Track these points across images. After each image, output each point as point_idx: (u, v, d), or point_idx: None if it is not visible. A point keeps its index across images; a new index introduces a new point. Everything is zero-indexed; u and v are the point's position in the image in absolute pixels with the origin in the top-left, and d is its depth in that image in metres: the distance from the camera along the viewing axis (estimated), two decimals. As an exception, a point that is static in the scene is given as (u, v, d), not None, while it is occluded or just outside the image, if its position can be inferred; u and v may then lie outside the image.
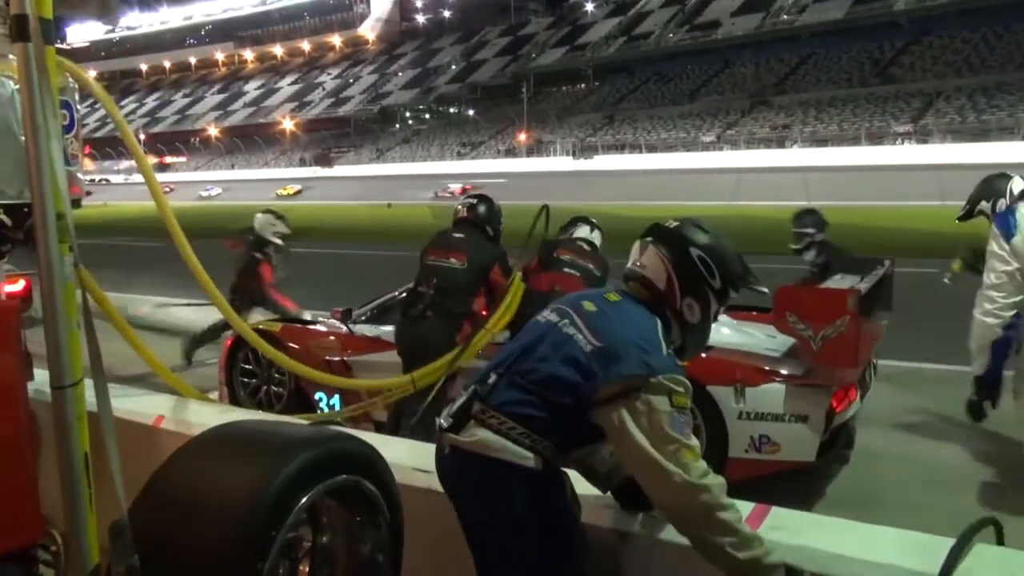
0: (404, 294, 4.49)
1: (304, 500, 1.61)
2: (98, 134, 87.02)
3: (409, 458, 2.33)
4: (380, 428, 3.98)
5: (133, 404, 3.00)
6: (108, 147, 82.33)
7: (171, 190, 56.75)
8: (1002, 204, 3.43)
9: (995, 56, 45.43)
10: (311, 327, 5.13)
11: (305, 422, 2.80)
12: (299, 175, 64.07)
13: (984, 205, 3.77)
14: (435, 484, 2.26)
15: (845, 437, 4.16)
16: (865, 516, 3.32)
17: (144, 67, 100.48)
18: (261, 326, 5.16)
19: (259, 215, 6.92)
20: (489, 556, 1.85)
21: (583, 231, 4.71)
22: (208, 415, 2.90)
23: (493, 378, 1.83)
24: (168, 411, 2.93)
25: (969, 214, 3.88)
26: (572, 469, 2.00)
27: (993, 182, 3.75)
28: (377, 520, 1.87)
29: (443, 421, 1.86)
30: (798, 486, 3.71)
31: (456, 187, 44.61)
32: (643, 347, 1.74)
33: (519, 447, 1.73)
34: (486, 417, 1.77)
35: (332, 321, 5.11)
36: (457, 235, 4.24)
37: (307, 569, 1.87)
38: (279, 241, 6.80)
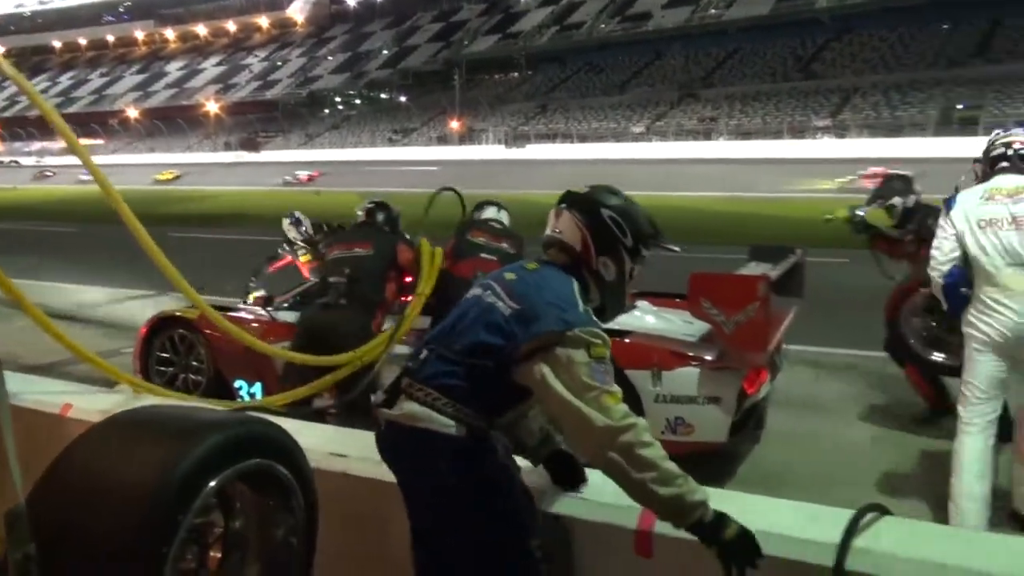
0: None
1: (213, 484, 1.60)
2: (6, 113, 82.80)
3: (324, 443, 2.33)
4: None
5: (39, 392, 2.90)
6: (17, 127, 78.36)
7: (53, 174, 55.47)
8: (911, 200, 4.84)
9: (909, 55, 47.47)
10: (231, 314, 5.03)
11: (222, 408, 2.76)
12: (225, 159, 62.26)
13: (897, 200, 4.92)
14: (351, 468, 2.28)
15: (756, 418, 4.33)
16: (769, 493, 3.49)
17: (57, 44, 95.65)
18: (177, 313, 5.03)
19: (284, 218, 6.44)
20: (433, 532, 1.89)
21: (491, 212, 4.89)
22: (119, 402, 2.82)
23: (424, 354, 1.91)
24: (76, 399, 2.84)
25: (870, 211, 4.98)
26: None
27: (895, 182, 5.04)
28: (291, 504, 1.86)
29: (376, 398, 1.95)
30: (709, 467, 3.83)
31: (303, 174, 47.58)
32: (559, 305, 1.82)
33: (444, 416, 1.80)
34: (413, 390, 1.85)
35: (253, 307, 5.03)
36: (358, 231, 4.34)
37: (218, 555, 1.85)
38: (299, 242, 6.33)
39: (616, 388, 1.75)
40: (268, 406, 3.38)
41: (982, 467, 3.11)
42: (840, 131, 42.69)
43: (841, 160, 35.11)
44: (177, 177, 54.01)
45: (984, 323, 3.17)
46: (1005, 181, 3.34)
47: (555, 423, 1.91)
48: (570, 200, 2.04)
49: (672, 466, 1.70)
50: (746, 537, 1.67)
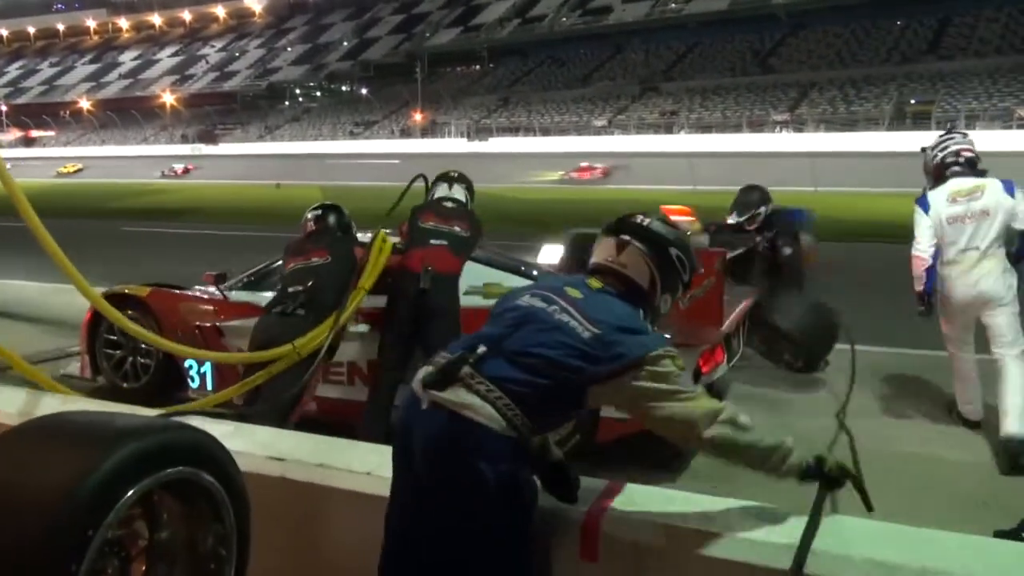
0: (280, 263, 4.30)
1: (129, 495, 1.50)
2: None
3: (260, 446, 2.24)
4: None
5: (-41, 397, 2.75)
6: (-37, 118, 75.91)
7: (79, 169, 55.39)
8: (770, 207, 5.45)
9: (864, 51, 48.33)
10: (183, 292, 4.88)
11: (153, 412, 2.64)
12: (182, 152, 61.03)
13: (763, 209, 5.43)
14: (290, 472, 2.19)
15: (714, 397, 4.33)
16: (724, 490, 3.47)
17: (5, 32, 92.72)
18: (127, 290, 4.85)
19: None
20: (449, 530, 1.82)
21: (442, 190, 4.56)
22: (46, 406, 2.69)
23: (482, 349, 1.84)
24: (3, 403, 2.69)
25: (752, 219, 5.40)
26: None
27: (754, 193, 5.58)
28: (220, 513, 1.77)
29: (425, 376, 1.85)
30: (658, 458, 3.81)
31: (179, 166, 51.20)
32: (635, 331, 1.86)
33: (500, 416, 1.75)
34: (474, 382, 1.78)
35: (206, 287, 4.87)
36: (311, 240, 4.16)
37: (142, 567, 1.75)
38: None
39: (701, 389, 1.88)
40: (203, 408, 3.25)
41: (975, 374, 4.41)
42: (798, 125, 43.31)
43: (800, 154, 35.65)
44: (80, 170, 55.15)
45: (948, 291, 4.27)
46: (961, 184, 4.24)
47: (657, 431, 1.91)
48: (634, 232, 2.03)
49: (762, 431, 1.86)
50: (843, 468, 1.89)
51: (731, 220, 5.46)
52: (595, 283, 1.98)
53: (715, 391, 4.19)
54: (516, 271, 4.45)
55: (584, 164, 39.33)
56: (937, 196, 4.27)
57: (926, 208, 4.30)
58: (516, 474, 1.79)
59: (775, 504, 1.94)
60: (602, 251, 2.05)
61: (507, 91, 59.23)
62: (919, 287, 4.36)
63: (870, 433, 4.16)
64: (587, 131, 49.47)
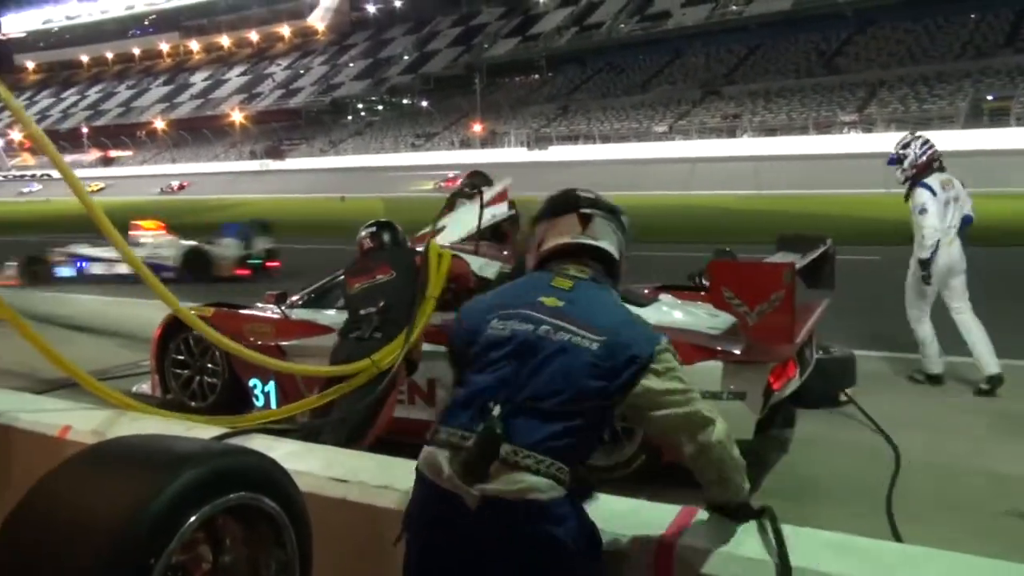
0: (343, 277, 4.29)
1: (191, 521, 1.49)
2: (40, 127, 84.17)
3: (322, 468, 2.21)
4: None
5: (38, 413, 2.82)
6: (53, 141, 79.63)
7: (100, 188, 58.19)
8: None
9: (936, 46, 46.64)
10: (244, 311, 4.95)
11: (227, 429, 2.66)
12: (249, 168, 62.91)
13: None
14: (351, 495, 2.16)
15: (784, 415, 4.15)
16: (800, 509, 3.32)
17: (85, 58, 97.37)
18: (193, 311, 4.96)
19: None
20: None
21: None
22: (119, 424, 2.73)
23: (498, 410, 1.58)
24: (76, 421, 2.75)
25: None
26: None
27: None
28: (281, 538, 1.75)
29: (456, 467, 1.56)
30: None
31: (175, 183, 55.72)
32: (635, 323, 1.74)
33: (556, 483, 1.56)
34: (521, 458, 1.54)
35: (266, 305, 4.93)
36: (370, 258, 4.13)
37: (206, 592, 1.73)
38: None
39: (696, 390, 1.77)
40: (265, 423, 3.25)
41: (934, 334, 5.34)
42: (867, 126, 42.02)
43: (870, 155, 34.55)
44: (102, 188, 58.34)
45: (936, 260, 5.12)
46: (943, 176, 5.28)
47: (657, 435, 1.82)
48: (595, 205, 1.89)
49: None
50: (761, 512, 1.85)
51: None
52: (564, 282, 1.75)
53: (787, 408, 4.03)
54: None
55: (451, 174, 42.20)
56: (934, 184, 5.19)
57: (933, 192, 5.14)
58: (581, 520, 1.64)
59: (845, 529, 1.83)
60: (563, 230, 1.84)
61: (566, 99, 59.19)
62: (927, 255, 5.09)
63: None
64: (647, 137, 49.03)
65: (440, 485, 1.58)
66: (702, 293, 4.60)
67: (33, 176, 69.96)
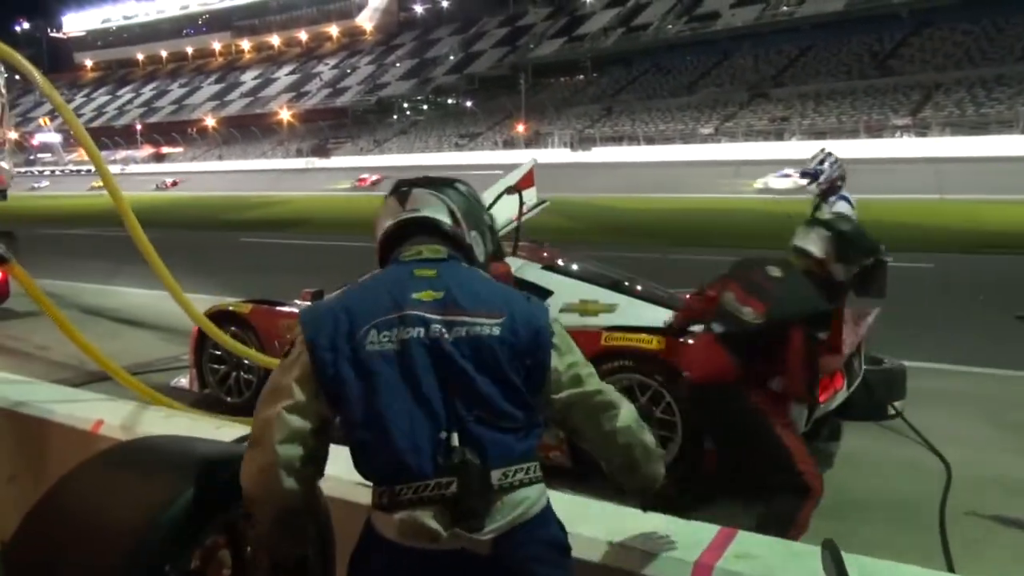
0: None
1: (209, 527, 1.45)
2: (94, 124, 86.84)
3: (348, 471, 2.15)
4: None
5: (71, 407, 2.83)
6: (103, 137, 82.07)
7: (175, 183, 60.34)
8: None
9: (995, 48, 45.19)
10: (282, 308, 4.96)
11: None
12: (295, 166, 63.83)
13: None
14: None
15: (830, 428, 4.00)
16: (846, 527, 3.18)
17: (141, 57, 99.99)
18: (231, 307, 5.00)
19: None
20: None
21: None
22: (151, 420, 2.73)
23: (454, 437, 1.37)
24: (109, 415, 2.75)
25: None
26: None
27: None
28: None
29: (446, 527, 1.35)
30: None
31: (169, 180, 58.80)
32: (518, 295, 1.56)
33: (543, 484, 1.47)
34: (512, 478, 1.40)
35: (304, 303, 4.95)
36: None
37: (225, 598, 1.70)
38: None
39: None
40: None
41: None
42: (921, 130, 40.93)
43: (924, 159, 33.64)
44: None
45: None
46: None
47: (559, 419, 1.58)
48: (413, 182, 1.69)
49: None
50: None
51: None
52: (424, 271, 1.52)
53: (832, 421, 3.88)
54: (614, 286, 4.27)
55: (363, 176, 48.24)
56: (851, 198, 5.51)
57: (852, 206, 5.40)
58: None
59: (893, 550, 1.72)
60: (387, 214, 1.65)
61: (611, 100, 58.84)
62: None
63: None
64: (693, 139, 48.46)
65: (438, 549, 1.35)
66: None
67: (52, 172, 72.60)
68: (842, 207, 5.59)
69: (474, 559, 1.36)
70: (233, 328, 4.87)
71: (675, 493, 3.39)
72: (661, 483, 1.69)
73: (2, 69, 2.13)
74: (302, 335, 1.46)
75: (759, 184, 32.70)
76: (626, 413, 1.59)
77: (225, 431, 2.54)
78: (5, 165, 2.08)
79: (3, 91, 2.15)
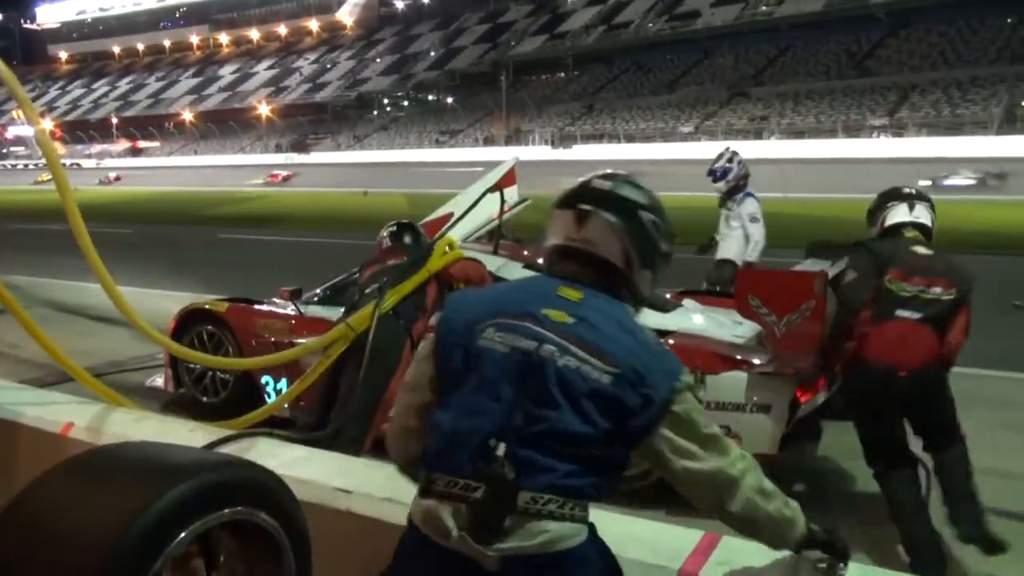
0: (357, 275, 4.21)
1: (180, 538, 1.40)
2: (69, 117, 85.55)
3: (327, 476, 2.12)
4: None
5: (41, 410, 2.76)
6: (78, 131, 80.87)
7: (118, 178, 60.67)
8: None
9: (970, 50, 45.80)
10: (259, 307, 4.89)
11: (230, 431, 2.58)
12: (276, 161, 63.29)
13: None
14: (355, 507, 2.06)
15: (811, 429, 4.01)
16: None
17: (117, 49, 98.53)
18: (207, 306, 4.91)
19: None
20: None
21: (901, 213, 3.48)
22: (121, 423, 2.67)
23: (502, 449, 1.35)
24: (78, 418, 2.68)
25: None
26: None
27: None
28: (279, 555, 1.65)
29: (457, 528, 1.34)
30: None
31: (112, 175, 60.30)
32: (653, 351, 1.47)
33: (579, 523, 1.39)
34: (542, 506, 1.34)
35: (281, 302, 4.87)
36: (387, 252, 4.04)
37: (199, 609, 1.65)
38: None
39: (720, 431, 1.51)
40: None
41: None
42: (897, 130, 41.40)
43: (901, 159, 34.02)
44: (50, 180, 59.74)
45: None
46: None
47: (678, 485, 1.50)
48: (596, 199, 1.56)
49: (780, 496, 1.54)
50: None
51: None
52: (573, 293, 1.49)
53: (813, 421, 3.88)
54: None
55: (275, 172, 52.61)
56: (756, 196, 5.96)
57: (756, 198, 5.93)
58: (607, 563, 1.46)
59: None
60: (560, 228, 1.57)
61: (592, 98, 58.91)
62: (755, 258, 5.74)
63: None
64: (673, 138, 48.64)
65: (449, 548, 1.34)
66: (726, 300, 4.47)
67: (26, 166, 72.29)
68: (751, 206, 5.94)
69: (478, 571, 1.33)
70: (209, 327, 4.80)
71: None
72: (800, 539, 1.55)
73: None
74: (440, 312, 1.56)
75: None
76: (746, 487, 1.46)
77: (198, 434, 2.49)
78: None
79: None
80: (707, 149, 44.37)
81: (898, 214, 3.37)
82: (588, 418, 1.38)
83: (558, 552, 1.34)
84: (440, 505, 1.36)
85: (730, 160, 6.03)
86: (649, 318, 3.89)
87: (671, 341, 3.65)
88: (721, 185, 6.04)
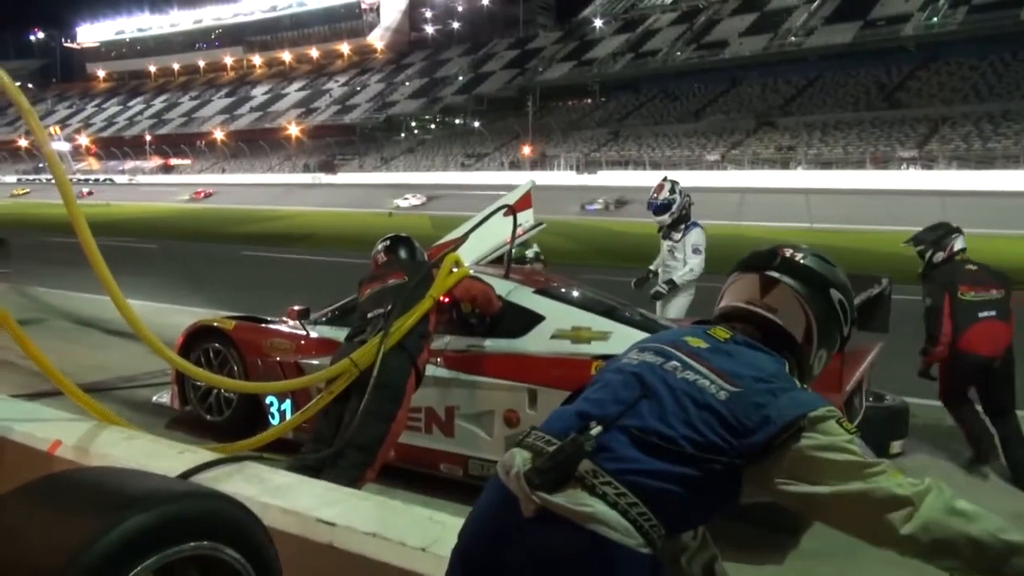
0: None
1: (136, 571, 1.31)
2: (104, 134, 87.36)
3: (311, 507, 2.02)
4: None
5: (31, 426, 2.69)
6: (113, 147, 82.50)
7: (90, 192, 62.93)
8: (939, 256, 4.67)
9: (1002, 84, 45.30)
10: (267, 326, 4.82)
11: (215, 455, 2.49)
12: (303, 181, 64.03)
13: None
14: (337, 540, 1.96)
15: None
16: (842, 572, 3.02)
17: (153, 69, 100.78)
18: (215, 323, 4.86)
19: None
20: None
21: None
22: (110, 442, 2.59)
23: (597, 429, 1.37)
24: (66, 435, 2.62)
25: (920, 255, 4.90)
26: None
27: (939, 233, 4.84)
28: (247, 593, 1.55)
29: (526, 468, 1.34)
30: (769, 536, 3.38)
31: (86, 189, 62.05)
32: (783, 385, 1.41)
33: (629, 524, 1.30)
34: (599, 482, 1.31)
35: (290, 321, 4.80)
36: (384, 267, 3.97)
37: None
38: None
39: (888, 463, 1.35)
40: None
41: None
42: (927, 162, 40.92)
43: (930, 192, 33.57)
44: (27, 192, 63.71)
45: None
46: None
47: (835, 526, 1.38)
48: (787, 269, 1.55)
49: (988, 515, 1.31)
50: None
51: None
52: (722, 332, 1.51)
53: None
54: (610, 313, 4.13)
55: (199, 189, 56.75)
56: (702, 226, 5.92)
57: (704, 230, 5.86)
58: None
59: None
60: (741, 291, 1.58)
61: (618, 124, 59.03)
62: (682, 281, 5.78)
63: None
64: (699, 165, 48.50)
65: (505, 485, 1.37)
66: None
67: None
68: (696, 236, 5.80)
69: (515, 515, 1.33)
70: (216, 344, 4.74)
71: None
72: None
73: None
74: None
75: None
76: (927, 509, 1.28)
77: (186, 457, 2.41)
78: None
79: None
80: (734, 178, 44.39)
81: (959, 242, 4.58)
82: (693, 426, 1.35)
83: (598, 535, 1.28)
84: (519, 450, 1.41)
85: (672, 191, 5.84)
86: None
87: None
88: (665, 218, 5.85)
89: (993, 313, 4.25)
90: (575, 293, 4.37)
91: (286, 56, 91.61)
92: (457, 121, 73.56)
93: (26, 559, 1.28)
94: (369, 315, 3.70)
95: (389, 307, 3.59)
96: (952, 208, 27.94)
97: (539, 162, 55.89)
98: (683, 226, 5.83)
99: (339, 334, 4.35)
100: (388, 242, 4.08)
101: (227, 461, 2.32)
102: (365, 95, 79.74)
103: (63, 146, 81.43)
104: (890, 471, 1.32)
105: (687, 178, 43.68)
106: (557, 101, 67.84)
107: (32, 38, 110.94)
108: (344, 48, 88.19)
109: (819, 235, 26.43)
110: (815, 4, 56.98)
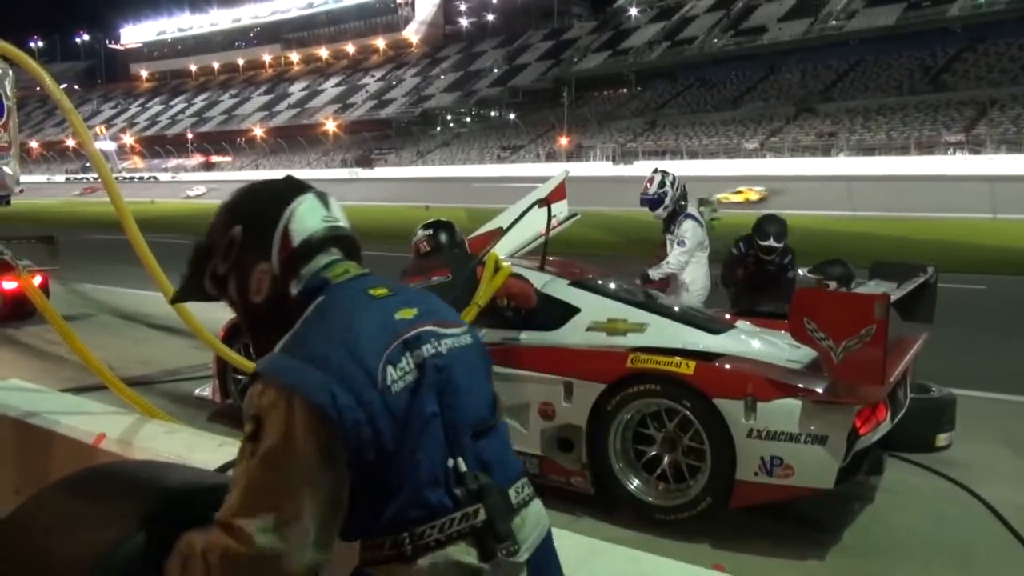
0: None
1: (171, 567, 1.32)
2: (147, 133, 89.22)
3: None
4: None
5: (77, 419, 2.76)
6: (156, 146, 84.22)
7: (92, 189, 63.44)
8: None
9: (1054, 64, 43.90)
10: None
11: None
12: (339, 176, 64.67)
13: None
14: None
15: (871, 462, 3.75)
16: (885, 568, 2.96)
17: (194, 68, 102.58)
18: None
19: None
20: None
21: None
22: (151, 435, 2.65)
23: (463, 463, 1.21)
24: (111, 428, 2.67)
25: None
26: None
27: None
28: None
29: (484, 559, 1.19)
30: (804, 528, 3.33)
31: (87, 184, 65.04)
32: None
33: None
34: (522, 493, 1.31)
35: None
36: (427, 259, 3.98)
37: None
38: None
39: None
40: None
41: None
42: (975, 147, 39.83)
43: (977, 177, 32.64)
44: (22, 191, 65.55)
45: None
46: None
47: None
48: None
49: None
50: None
51: None
52: (379, 290, 1.41)
53: (874, 454, 3.64)
54: (646, 304, 4.10)
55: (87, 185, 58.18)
56: (698, 216, 5.63)
57: (701, 224, 5.55)
58: None
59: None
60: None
61: (654, 114, 58.50)
62: (657, 277, 5.40)
63: None
64: (737, 154, 47.89)
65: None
66: (783, 322, 4.24)
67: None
68: (692, 230, 5.45)
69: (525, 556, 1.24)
70: (246, 342, 4.81)
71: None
72: None
73: (10, 72, 2.09)
74: None
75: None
76: None
77: (226, 449, 2.44)
78: (8, 170, 2.05)
79: (10, 94, 2.12)
80: (772, 166, 43.63)
81: None
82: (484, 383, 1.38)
83: (548, 529, 1.34)
84: (449, 551, 1.18)
85: (662, 185, 5.52)
86: (699, 339, 3.72)
87: (718, 363, 3.47)
88: (660, 212, 5.55)
89: None
90: (611, 285, 4.34)
91: (322, 52, 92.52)
92: (492, 114, 73.59)
93: (65, 553, 1.30)
94: None
95: None
96: (1001, 193, 27.17)
97: (575, 153, 55.65)
98: (679, 218, 5.53)
99: None
100: (430, 230, 4.11)
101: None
102: (401, 89, 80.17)
103: (108, 145, 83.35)
104: None
105: (726, 167, 43.16)
106: (593, 91, 67.46)
107: (78, 40, 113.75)
108: (379, 43, 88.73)
109: (862, 223, 25.91)
110: (856, -14, 55.82)
